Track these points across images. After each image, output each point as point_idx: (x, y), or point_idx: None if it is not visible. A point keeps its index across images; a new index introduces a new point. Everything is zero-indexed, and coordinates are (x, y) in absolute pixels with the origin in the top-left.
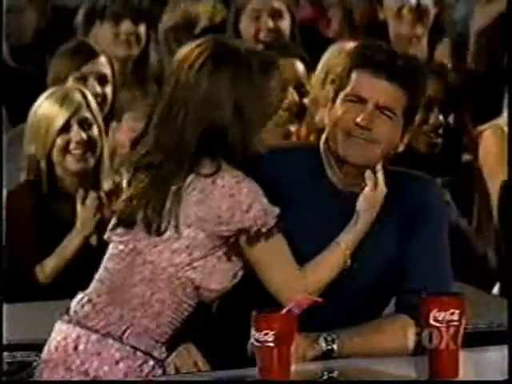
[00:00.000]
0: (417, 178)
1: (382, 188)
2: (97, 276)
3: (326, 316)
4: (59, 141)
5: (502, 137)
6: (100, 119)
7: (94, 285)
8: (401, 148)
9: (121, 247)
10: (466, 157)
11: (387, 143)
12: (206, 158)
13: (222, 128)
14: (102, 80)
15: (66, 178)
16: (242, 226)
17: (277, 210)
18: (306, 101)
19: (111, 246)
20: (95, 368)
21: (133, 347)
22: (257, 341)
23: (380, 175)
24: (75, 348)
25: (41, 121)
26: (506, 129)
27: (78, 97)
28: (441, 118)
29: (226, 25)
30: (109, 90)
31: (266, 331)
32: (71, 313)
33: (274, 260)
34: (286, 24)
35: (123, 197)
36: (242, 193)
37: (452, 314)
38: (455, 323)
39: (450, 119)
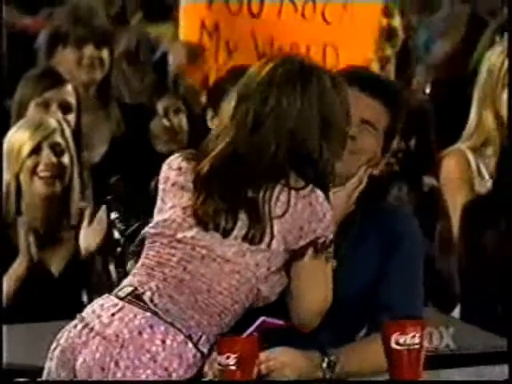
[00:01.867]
0: (396, 210)
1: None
2: (167, 270)
3: (303, 338)
4: (28, 162)
5: (462, 161)
6: (73, 148)
7: (169, 280)
8: (375, 171)
9: (203, 251)
10: (428, 181)
11: (369, 156)
12: (292, 172)
13: (311, 147)
14: (65, 108)
15: (33, 204)
16: (314, 236)
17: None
18: None
19: (182, 245)
20: (175, 368)
21: (202, 354)
22: (219, 364)
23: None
24: (163, 341)
25: (14, 144)
26: (467, 152)
27: (53, 123)
28: (402, 143)
29: None
30: (71, 118)
31: (228, 354)
32: (146, 299)
33: (325, 273)
34: None
35: (201, 198)
36: (318, 201)
37: (413, 337)
38: (416, 346)
39: (411, 144)
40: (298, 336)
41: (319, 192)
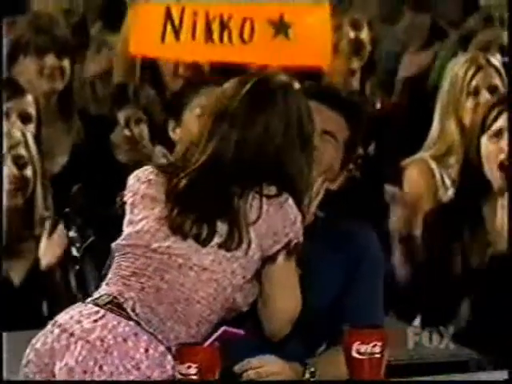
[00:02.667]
0: (359, 229)
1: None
2: (144, 280)
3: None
4: None
5: (425, 170)
6: (37, 161)
7: (146, 289)
8: (334, 186)
9: (180, 260)
10: (390, 190)
11: (327, 166)
12: (266, 183)
13: (292, 164)
14: (25, 118)
15: None
16: (287, 239)
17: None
18: None
19: (157, 255)
20: (156, 378)
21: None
22: (180, 373)
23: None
24: (146, 350)
25: None
26: (429, 161)
27: (17, 134)
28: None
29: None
30: (31, 128)
31: (189, 364)
32: (127, 308)
33: (295, 277)
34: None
35: (176, 209)
36: (289, 205)
37: (374, 346)
38: (377, 355)
39: (370, 151)
40: (265, 346)
41: (289, 197)
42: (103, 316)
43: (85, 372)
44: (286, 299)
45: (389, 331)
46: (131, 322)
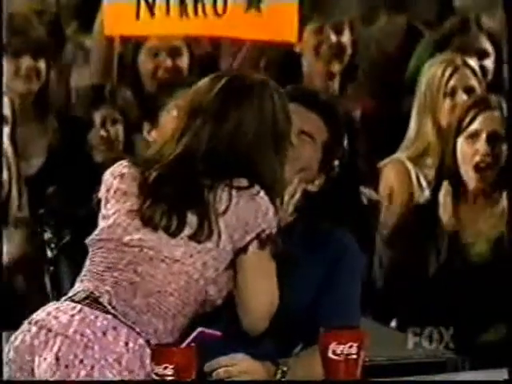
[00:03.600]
0: (337, 230)
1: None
2: (117, 274)
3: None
4: None
5: (401, 170)
6: (12, 163)
7: (120, 283)
8: (313, 187)
9: (151, 252)
10: (367, 192)
11: (304, 166)
12: (237, 176)
13: (263, 160)
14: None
15: None
16: (260, 229)
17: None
18: None
19: (129, 248)
20: (137, 371)
21: None
22: (156, 374)
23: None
24: (126, 344)
25: None
26: (406, 162)
27: None
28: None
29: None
30: (7, 130)
31: (166, 365)
32: (104, 302)
33: (269, 269)
34: (184, 61)
35: (148, 201)
36: (261, 197)
37: (350, 347)
38: (353, 356)
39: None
40: (241, 346)
41: (261, 189)
42: (80, 310)
43: (66, 366)
44: (259, 291)
45: (366, 332)
46: (109, 316)
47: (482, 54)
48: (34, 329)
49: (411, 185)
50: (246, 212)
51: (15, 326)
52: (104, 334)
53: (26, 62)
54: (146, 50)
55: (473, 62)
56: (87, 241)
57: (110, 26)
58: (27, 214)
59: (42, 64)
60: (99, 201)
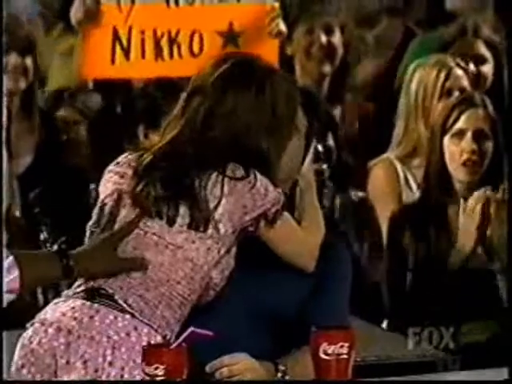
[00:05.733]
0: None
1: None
2: None
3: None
4: None
5: (390, 171)
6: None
7: (131, 275)
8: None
9: (155, 238)
10: (356, 191)
11: (293, 156)
12: (232, 163)
13: (259, 147)
14: None
15: None
16: (262, 211)
17: (280, 188)
18: None
19: (135, 232)
20: None
21: None
22: (147, 374)
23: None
24: (149, 343)
25: None
26: (395, 161)
27: None
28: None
29: None
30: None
31: (157, 365)
32: (119, 300)
33: (290, 232)
34: None
35: (141, 185)
36: (257, 179)
37: (341, 347)
38: (344, 356)
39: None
40: (234, 346)
41: (256, 173)
42: (98, 311)
43: (96, 370)
44: (293, 254)
45: (357, 331)
46: (127, 316)
47: (480, 60)
48: (50, 330)
49: (399, 184)
50: (243, 198)
51: (15, 326)
52: (128, 334)
53: (12, 59)
54: None
55: (464, 64)
56: (88, 226)
57: (86, 69)
58: (19, 213)
59: (28, 61)
60: (97, 193)
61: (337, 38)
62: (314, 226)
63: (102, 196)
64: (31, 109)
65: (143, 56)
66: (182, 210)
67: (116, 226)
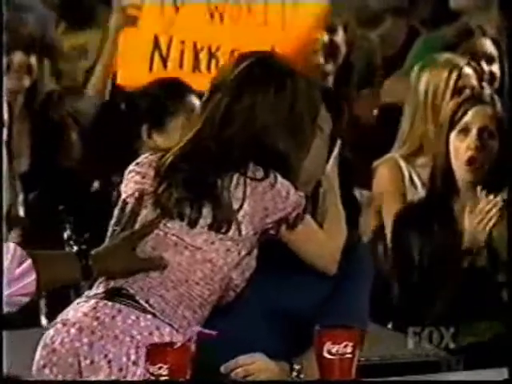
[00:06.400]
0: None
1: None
2: None
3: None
4: None
5: (396, 168)
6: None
7: (150, 275)
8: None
9: (174, 238)
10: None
11: (316, 157)
12: (252, 164)
13: (278, 146)
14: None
15: None
16: (283, 214)
17: (302, 192)
18: None
19: (153, 234)
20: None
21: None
22: (151, 374)
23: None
24: (171, 342)
25: None
26: (399, 161)
27: None
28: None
29: None
30: (4, 134)
31: (160, 365)
32: (141, 300)
33: (311, 234)
34: None
35: (163, 186)
36: (278, 181)
37: (345, 346)
38: (348, 356)
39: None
40: (251, 347)
41: (277, 175)
42: (120, 311)
43: (120, 370)
44: (315, 256)
45: (361, 332)
46: (149, 316)
47: (488, 59)
48: (72, 330)
49: (404, 183)
50: (264, 200)
51: (15, 327)
52: (150, 334)
53: (17, 57)
54: None
55: (474, 63)
56: (110, 225)
57: (123, 76)
58: (22, 213)
59: (33, 59)
60: (119, 194)
61: (340, 38)
62: (335, 228)
63: (123, 195)
64: (34, 108)
65: (181, 66)
66: (205, 211)
67: (136, 226)
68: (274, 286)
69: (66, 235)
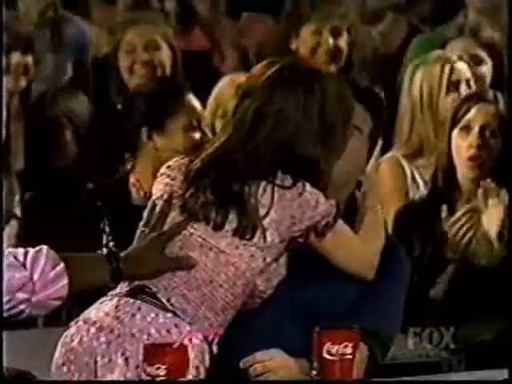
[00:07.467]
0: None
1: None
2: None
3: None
4: None
5: (397, 166)
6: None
7: (176, 274)
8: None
9: (199, 239)
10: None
11: (353, 159)
12: (280, 171)
13: (307, 151)
14: None
15: None
16: (312, 223)
17: (333, 200)
18: None
19: (181, 233)
20: (199, 367)
21: (212, 355)
22: (148, 374)
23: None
24: (190, 341)
25: None
26: (401, 159)
27: None
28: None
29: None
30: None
31: (158, 365)
32: (162, 299)
33: (343, 241)
34: (164, 56)
35: (190, 190)
36: (307, 190)
37: (345, 347)
38: (348, 356)
39: None
40: (274, 343)
41: (306, 184)
42: (139, 308)
43: (136, 367)
44: (348, 263)
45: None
46: (168, 314)
47: (479, 61)
48: (92, 329)
49: (406, 181)
50: (291, 208)
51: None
52: (168, 331)
53: (15, 57)
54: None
55: (466, 57)
56: (139, 226)
57: None
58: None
59: (29, 59)
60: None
61: (343, 41)
62: (373, 232)
63: (153, 197)
64: (29, 108)
65: None
66: (231, 216)
67: (165, 228)
68: (305, 287)
69: (104, 237)
